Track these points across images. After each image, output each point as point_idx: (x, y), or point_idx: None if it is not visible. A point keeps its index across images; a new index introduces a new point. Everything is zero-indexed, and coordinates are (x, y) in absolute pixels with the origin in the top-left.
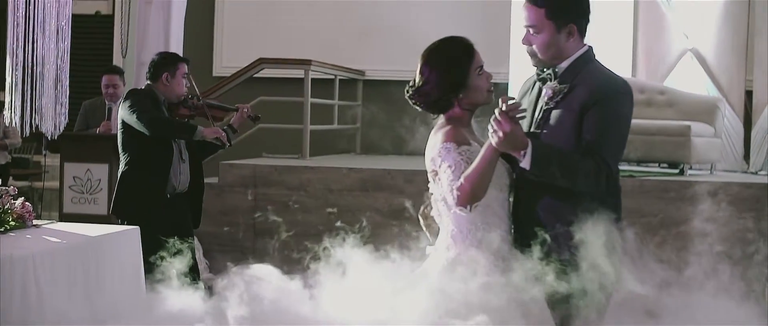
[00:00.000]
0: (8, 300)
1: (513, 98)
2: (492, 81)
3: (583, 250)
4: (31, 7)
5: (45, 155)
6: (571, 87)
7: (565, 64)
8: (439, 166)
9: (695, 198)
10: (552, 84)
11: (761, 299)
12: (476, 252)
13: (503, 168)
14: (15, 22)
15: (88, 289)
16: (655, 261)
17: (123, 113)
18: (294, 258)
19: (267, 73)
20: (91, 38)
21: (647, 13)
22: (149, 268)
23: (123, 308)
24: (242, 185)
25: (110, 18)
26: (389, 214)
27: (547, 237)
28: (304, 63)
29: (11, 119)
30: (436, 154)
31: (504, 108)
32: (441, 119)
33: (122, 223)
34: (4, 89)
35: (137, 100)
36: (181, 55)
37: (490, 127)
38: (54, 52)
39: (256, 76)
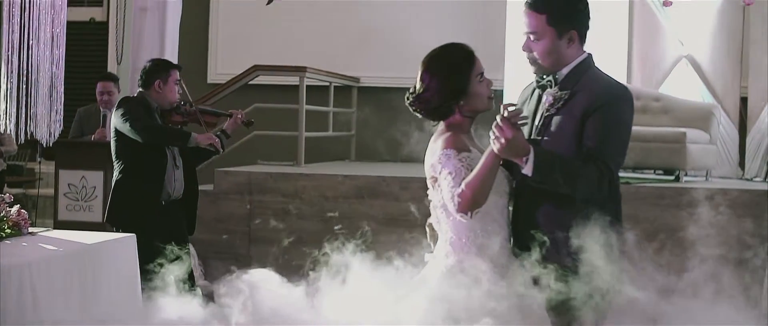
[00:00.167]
0: (4, 308)
1: (515, 105)
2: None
3: (585, 256)
4: (26, 14)
5: (40, 162)
6: (571, 93)
7: (565, 71)
8: (439, 173)
9: (691, 205)
10: (552, 90)
11: (759, 304)
12: (475, 259)
13: (502, 176)
14: (10, 30)
15: (85, 297)
16: (654, 267)
17: (116, 121)
18: (290, 265)
19: (262, 79)
20: (86, 45)
21: (642, 19)
22: (145, 275)
23: (119, 316)
24: (237, 192)
25: (105, 25)
26: (385, 221)
27: (548, 243)
28: (299, 70)
29: (6, 126)
30: (436, 160)
31: (506, 114)
32: (441, 126)
33: (117, 231)
34: None
35: (130, 108)
36: (176, 62)
37: (491, 133)
38: (49, 59)
39: (250, 83)
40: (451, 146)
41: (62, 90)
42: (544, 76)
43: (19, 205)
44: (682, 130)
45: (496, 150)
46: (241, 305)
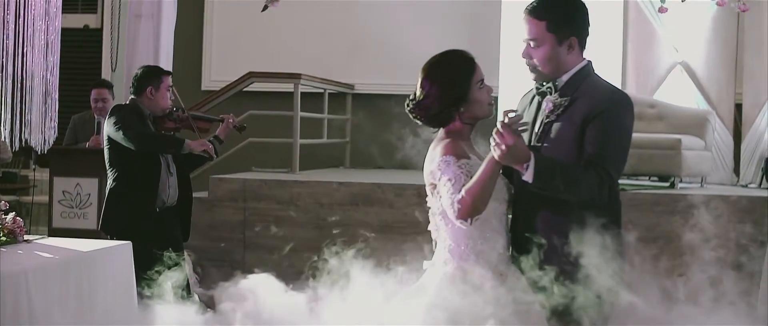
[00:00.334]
0: (1, 316)
1: (515, 111)
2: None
3: (585, 262)
4: (21, 21)
5: (34, 169)
6: (571, 100)
7: (565, 78)
8: (439, 180)
9: (686, 211)
10: (552, 97)
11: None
12: (474, 266)
13: (502, 183)
14: (4, 36)
15: (81, 304)
16: (652, 273)
17: (108, 130)
18: (285, 272)
19: (256, 86)
20: (80, 52)
21: (637, 26)
22: (140, 283)
23: (115, 323)
24: (232, 199)
25: (99, 32)
26: (380, 228)
27: (547, 250)
28: (294, 77)
29: (0, 133)
30: (436, 167)
31: (506, 121)
32: (441, 133)
33: (112, 239)
34: None
35: (122, 116)
36: (170, 69)
37: (492, 140)
38: (43, 66)
39: (245, 89)
40: (450, 153)
41: (57, 97)
42: (544, 83)
43: (14, 213)
44: (677, 136)
45: (496, 156)
46: (242, 311)
